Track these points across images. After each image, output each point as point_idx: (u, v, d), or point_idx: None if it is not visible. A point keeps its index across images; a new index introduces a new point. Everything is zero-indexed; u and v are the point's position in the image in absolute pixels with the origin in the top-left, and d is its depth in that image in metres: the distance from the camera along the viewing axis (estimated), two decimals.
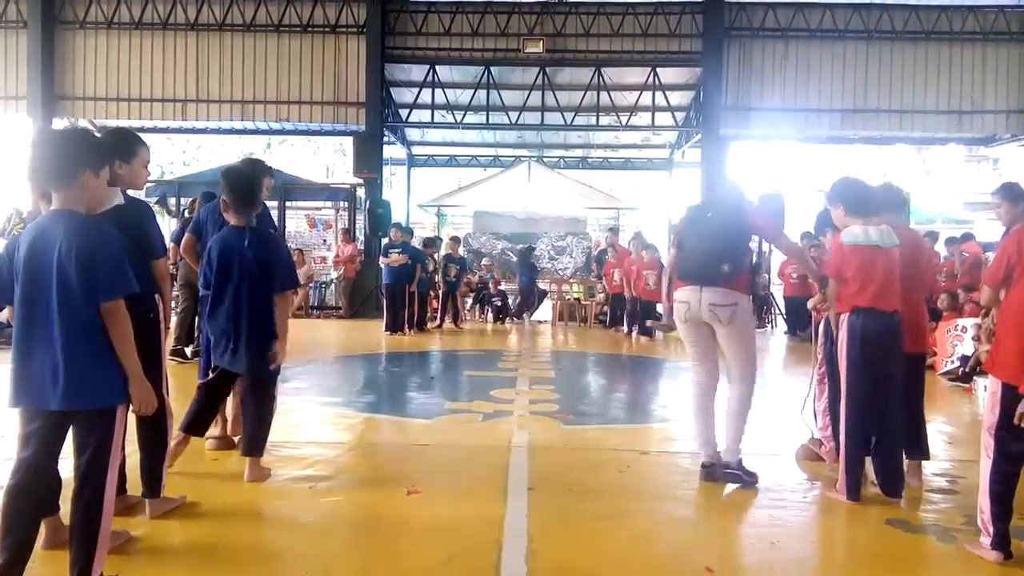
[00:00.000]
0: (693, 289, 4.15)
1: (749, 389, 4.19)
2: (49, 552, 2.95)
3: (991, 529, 3.23)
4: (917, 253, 4.30)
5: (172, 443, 3.69)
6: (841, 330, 4.00)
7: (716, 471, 4.20)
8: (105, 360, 2.57)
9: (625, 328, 12.21)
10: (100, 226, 2.63)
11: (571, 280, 16.24)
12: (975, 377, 7.40)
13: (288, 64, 14.95)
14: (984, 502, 3.25)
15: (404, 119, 16.50)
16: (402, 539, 3.40)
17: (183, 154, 28.33)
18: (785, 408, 6.72)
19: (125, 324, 2.59)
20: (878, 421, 3.98)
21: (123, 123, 14.67)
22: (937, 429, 5.81)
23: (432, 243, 13.70)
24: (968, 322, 7.98)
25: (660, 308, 12.49)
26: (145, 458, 3.50)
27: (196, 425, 4.13)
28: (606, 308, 14.74)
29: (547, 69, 15.19)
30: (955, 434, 5.79)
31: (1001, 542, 3.20)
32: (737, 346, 4.18)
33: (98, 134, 3.21)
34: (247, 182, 4.11)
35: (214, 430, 4.55)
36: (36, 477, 2.61)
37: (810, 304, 4.57)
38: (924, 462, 4.33)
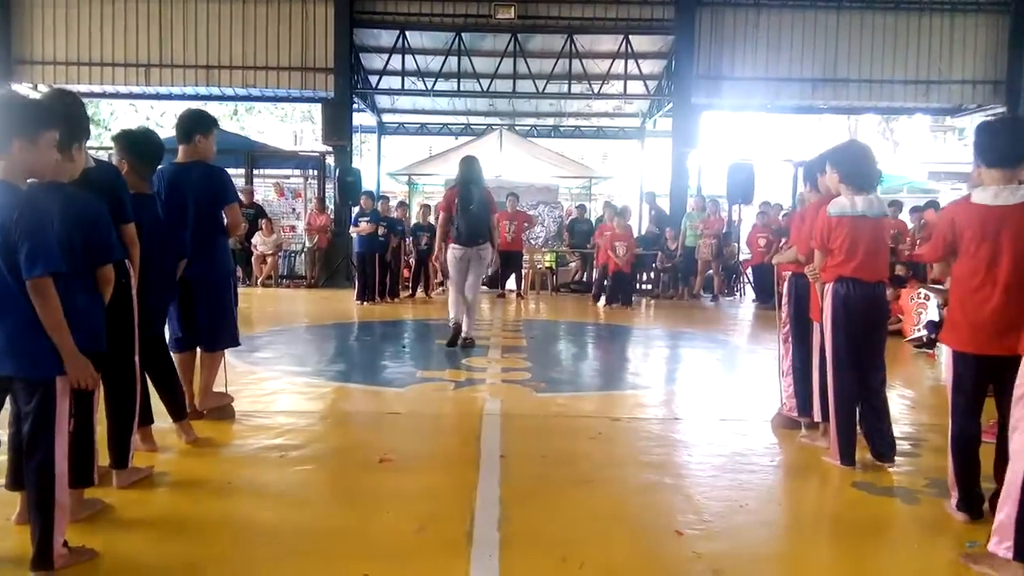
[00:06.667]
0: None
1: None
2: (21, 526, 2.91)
3: (956, 490, 3.31)
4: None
5: (136, 437, 3.60)
6: (826, 299, 4.02)
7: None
8: (41, 330, 2.54)
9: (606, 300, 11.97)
10: (30, 199, 2.56)
11: (543, 249, 16.22)
12: (939, 343, 7.54)
13: (255, 28, 14.55)
14: (949, 463, 3.34)
15: (374, 86, 16.21)
16: (375, 507, 3.40)
17: (147, 120, 27.66)
18: (753, 375, 6.83)
19: (50, 301, 2.52)
20: (862, 389, 4.03)
21: (84, 88, 14.25)
22: (899, 394, 5.94)
23: (401, 205, 13.97)
24: (931, 289, 8.11)
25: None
26: (112, 428, 3.46)
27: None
28: (576, 276, 14.80)
29: (519, 36, 14.98)
30: (918, 398, 5.93)
31: (968, 503, 3.28)
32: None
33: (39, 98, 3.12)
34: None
35: None
36: None
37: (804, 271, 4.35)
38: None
